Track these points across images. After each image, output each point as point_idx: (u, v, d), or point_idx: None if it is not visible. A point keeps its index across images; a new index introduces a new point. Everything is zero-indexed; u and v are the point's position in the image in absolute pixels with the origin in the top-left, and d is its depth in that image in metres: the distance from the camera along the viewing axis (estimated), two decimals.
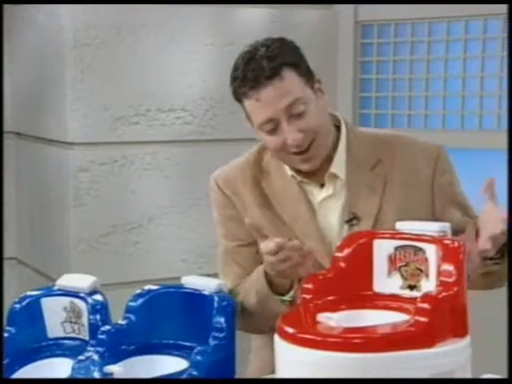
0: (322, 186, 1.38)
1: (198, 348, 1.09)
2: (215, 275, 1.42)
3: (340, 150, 1.37)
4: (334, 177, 1.37)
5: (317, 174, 1.37)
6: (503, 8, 2.18)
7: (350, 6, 2.37)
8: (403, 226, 1.15)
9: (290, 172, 1.38)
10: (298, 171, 1.38)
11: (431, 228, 1.11)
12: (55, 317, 1.19)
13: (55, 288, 1.21)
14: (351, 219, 1.35)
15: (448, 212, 1.35)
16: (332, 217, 1.37)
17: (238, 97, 1.35)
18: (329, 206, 1.37)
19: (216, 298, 1.16)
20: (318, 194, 1.38)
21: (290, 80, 1.29)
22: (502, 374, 1.18)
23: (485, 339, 2.14)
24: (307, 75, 1.32)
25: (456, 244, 1.06)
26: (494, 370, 1.20)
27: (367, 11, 2.37)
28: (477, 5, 2.21)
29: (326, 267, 1.30)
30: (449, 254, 1.05)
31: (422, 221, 1.16)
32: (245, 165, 1.42)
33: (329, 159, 1.36)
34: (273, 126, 1.31)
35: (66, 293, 1.19)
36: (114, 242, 2.15)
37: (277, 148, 1.33)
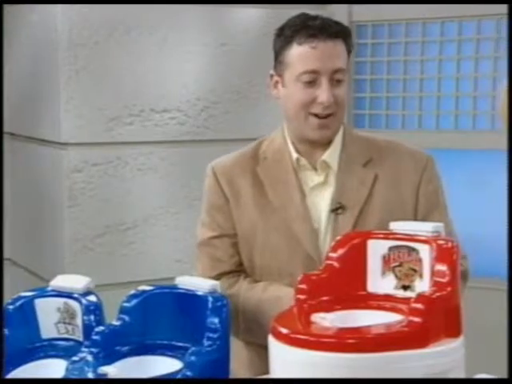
0: (316, 170, 1.41)
1: (192, 349, 1.09)
2: None
3: (336, 142, 1.42)
4: (327, 166, 1.40)
5: (314, 157, 1.41)
6: (497, 8, 2.19)
7: (345, 6, 2.37)
8: (397, 226, 1.15)
9: (295, 155, 1.41)
10: (299, 152, 1.40)
11: (425, 228, 1.11)
12: (49, 318, 1.19)
13: (49, 289, 1.21)
14: (337, 208, 1.37)
15: (431, 217, 1.38)
16: (321, 204, 1.40)
17: (287, 43, 1.37)
18: (319, 192, 1.40)
19: (210, 299, 1.16)
20: (311, 180, 1.40)
21: (343, 51, 1.37)
22: (495, 374, 1.18)
23: (478, 339, 2.15)
24: (348, 57, 1.39)
25: (449, 244, 1.07)
26: (487, 370, 1.21)
27: (361, 11, 2.37)
28: (471, 5, 2.22)
29: (312, 255, 1.33)
30: (442, 254, 1.06)
31: (406, 221, 1.17)
32: (243, 156, 1.46)
33: (326, 146, 1.41)
34: (312, 79, 1.34)
35: (60, 294, 1.18)
36: (108, 242, 2.15)
37: (305, 102, 1.35)
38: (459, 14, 2.27)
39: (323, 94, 1.34)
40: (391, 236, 1.14)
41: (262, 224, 1.39)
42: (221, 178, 1.43)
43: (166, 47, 2.17)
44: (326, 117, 1.36)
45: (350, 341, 0.97)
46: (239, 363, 1.43)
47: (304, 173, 1.41)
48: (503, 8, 2.16)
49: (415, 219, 1.39)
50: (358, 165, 1.40)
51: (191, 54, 2.21)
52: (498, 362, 1.42)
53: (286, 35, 1.37)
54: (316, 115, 1.36)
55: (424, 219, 1.39)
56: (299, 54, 1.35)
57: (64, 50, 2.06)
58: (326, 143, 1.41)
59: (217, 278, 1.39)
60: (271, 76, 1.42)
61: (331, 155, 1.40)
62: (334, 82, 1.35)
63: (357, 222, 1.36)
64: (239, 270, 1.42)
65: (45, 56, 2.15)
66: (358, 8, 2.38)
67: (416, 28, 2.33)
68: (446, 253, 1.06)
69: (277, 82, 1.41)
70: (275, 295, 1.33)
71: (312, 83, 1.35)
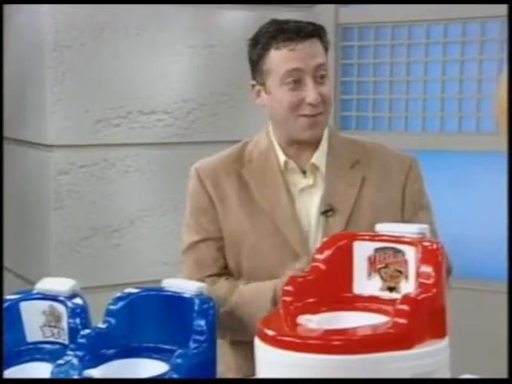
0: (304, 173, 1.41)
1: (179, 351, 1.09)
2: None
3: (323, 144, 1.42)
4: (315, 168, 1.41)
5: (302, 160, 1.41)
6: (481, 10, 2.21)
7: (331, 9, 2.38)
8: (383, 227, 1.16)
9: (283, 158, 1.41)
10: (288, 155, 1.41)
11: (410, 230, 1.12)
12: (34, 321, 1.18)
13: (34, 292, 1.20)
14: (327, 210, 1.38)
15: (417, 217, 1.40)
16: (310, 207, 1.40)
17: (264, 50, 1.37)
18: (308, 195, 1.40)
19: (197, 301, 1.16)
20: (300, 183, 1.40)
21: (319, 47, 1.38)
22: (480, 375, 1.19)
23: (463, 340, 2.16)
24: (326, 53, 1.41)
25: (435, 246, 1.07)
26: (472, 371, 1.21)
27: (348, 13, 2.38)
28: (457, 8, 2.24)
29: (302, 257, 1.33)
30: (427, 255, 1.06)
31: (394, 222, 1.18)
32: (227, 158, 1.45)
33: (314, 148, 1.41)
34: (297, 78, 1.35)
35: (45, 296, 1.18)
36: (94, 244, 2.14)
37: (292, 105, 1.35)
38: (444, 17, 2.28)
39: (311, 94, 1.34)
40: (377, 238, 1.14)
41: (250, 226, 1.39)
42: (206, 180, 1.42)
43: (153, 49, 2.17)
44: (315, 115, 1.36)
45: (336, 342, 0.97)
46: (226, 366, 1.43)
47: (292, 176, 1.41)
48: (488, 11, 2.18)
49: (402, 220, 1.40)
50: (346, 167, 1.41)
51: (178, 56, 2.21)
52: (483, 363, 1.43)
53: (262, 43, 1.37)
54: (305, 115, 1.36)
55: (410, 220, 1.40)
56: (279, 58, 1.35)
57: (50, 51, 2.05)
58: (314, 145, 1.41)
59: (200, 280, 1.38)
60: (252, 86, 1.42)
61: (319, 158, 1.41)
62: (318, 78, 1.36)
63: (347, 223, 1.36)
64: (224, 273, 1.42)
65: (31, 57, 2.14)
66: (344, 10, 2.39)
67: (402, 30, 2.35)
68: (431, 254, 1.06)
69: (259, 91, 1.41)
70: (257, 288, 1.33)
71: (297, 84, 1.35)
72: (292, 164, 1.41)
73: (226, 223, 1.40)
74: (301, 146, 1.40)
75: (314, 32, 1.37)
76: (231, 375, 1.41)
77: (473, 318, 2.20)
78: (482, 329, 2.18)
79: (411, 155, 1.47)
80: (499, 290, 1.91)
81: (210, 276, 1.40)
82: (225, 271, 1.42)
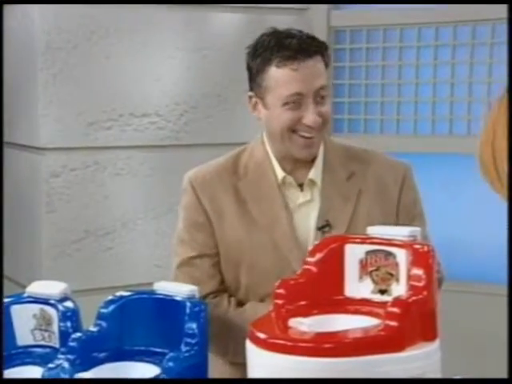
0: (301, 188, 1.39)
1: (170, 354, 1.08)
2: None
3: (319, 159, 1.40)
4: (313, 183, 1.39)
5: (299, 175, 1.39)
6: (472, 14, 2.21)
7: (323, 12, 2.38)
8: (374, 230, 1.16)
9: (281, 174, 1.38)
10: (285, 170, 1.39)
11: (401, 233, 1.12)
12: (25, 324, 1.18)
13: (25, 295, 1.19)
14: (324, 226, 1.36)
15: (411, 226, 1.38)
16: (308, 222, 1.38)
17: (264, 65, 1.33)
18: (306, 211, 1.38)
19: (188, 304, 1.16)
20: (297, 199, 1.39)
21: (321, 65, 1.35)
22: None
23: (463, 343, 2.18)
24: (327, 69, 1.37)
25: (425, 248, 1.08)
26: (472, 373, 1.21)
27: (340, 16, 2.39)
28: (448, 11, 2.25)
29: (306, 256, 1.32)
30: (418, 258, 1.06)
31: None
32: (222, 169, 1.41)
33: (311, 162, 1.39)
34: (298, 101, 1.32)
35: (36, 300, 1.17)
36: (86, 247, 2.13)
37: (290, 124, 1.33)
38: (436, 20, 2.29)
39: (309, 116, 1.32)
40: (368, 240, 1.14)
41: (249, 242, 1.36)
42: (202, 195, 1.38)
43: (145, 51, 2.16)
44: (313, 137, 1.34)
45: (327, 345, 0.97)
46: (220, 375, 1.41)
47: (289, 191, 1.39)
48: (478, 14, 2.19)
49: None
50: (342, 179, 1.39)
51: (170, 59, 2.20)
52: (483, 366, 1.44)
53: (262, 57, 1.33)
54: (301, 135, 1.33)
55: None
56: (280, 77, 1.31)
57: (41, 53, 2.04)
58: (310, 160, 1.39)
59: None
60: (250, 97, 1.38)
61: (316, 172, 1.39)
62: (319, 99, 1.33)
63: None
64: (220, 289, 1.39)
65: (22, 60, 2.13)
66: (336, 13, 2.40)
67: (394, 33, 2.35)
68: (422, 257, 1.07)
69: (256, 103, 1.37)
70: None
71: (297, 105, 1.32)
72: (290, 179, 1.38)
73: (223, 238, 1.37)
74: (297, 162, 1.38)
75: (316, 50, 1.33)
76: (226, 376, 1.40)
77: (472, 320, 2.20)
78: (482, 332, 2.19)
79: (405, 162, 1.45)
80: (499, 292, 1.91)
81: (208, 294, 1.37)
82: (221, 287, 1.39)
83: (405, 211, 1.41)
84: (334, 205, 1.37)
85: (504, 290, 1.62)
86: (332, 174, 1.39)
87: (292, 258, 1.34)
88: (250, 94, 1.39)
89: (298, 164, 1.39)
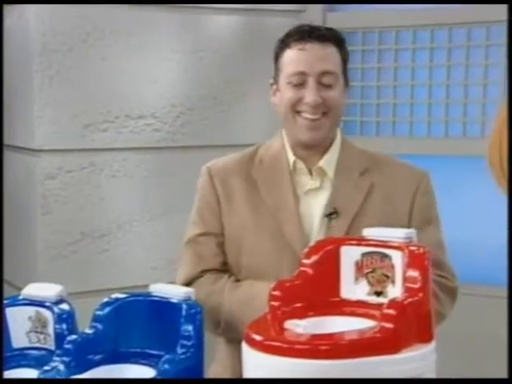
0: (312, 175, 1.42)
1: (166, 356, 1.08)
2: None
3: (333, 150, 1.43)
4: (322, 171, 1.41)
5: (310, 162, 1.42)
6: (467, 16, 2.22)
7: (319, 14, 2.39)
8: (370, 232, 1.16)
9: (292, 158, 1.42)
10: (296, 155, 1.42)
11: (397, 235, 1.12)
12: (20, 327, 1.17)
13: (20, 297, 1.19)
14: (331, 213, 1.38)
15: (424, 231, 1.38)
16: (314, 209, 1.40)
17: (281, 49, 1.39)
18: (313, 197, 1.41)
19: (184, 306, 1.15)
20: (306, 184, 1.41)
21: (334, 55, 1.38)
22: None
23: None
24: (345, 64, 1.41)
25: (421, 250, 1.08)
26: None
27: (335, 19, 2.39)
28: (443, 12, 2.25)
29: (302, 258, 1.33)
30: (414, 260, 1.07)
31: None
32: (239, 159, 1.47)
33: (323, 152, 1.42)
34: (300, 81, 1.36)
35: (32, 302, 1.17)
36: (82, 249, 2.13)
37: (292, 102, 1.37)
38: (431, 22, 2.30)
39: (309, 94, 1.35)
40: (364, 242, 1.14)
41: (253, 224, 1.39)
42: (215, 178, 1.44)
43: (141, 53, 2.16)
44: (316, 119, 1.37)
45: (323, 347, 0.97)
46: (222, 367, 1.43)
47: (299, 176, 1.42)
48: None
49: None
50: (355, 173, 1.41)
51: (166, 61, 2.20)
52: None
53: (282, 43, 1.40)
54: (304, 116, 1.37)
55: (419, 232, 1.38)
56: (289, 56, 1.38)
57: (37, 55, 2.04)
58: (323, 148, 1.41)
59: (200, 274, 1.40)
60: (271, 84, 1.44)
61: (328, 162, 1.41)
62: (322, 85, 1.36)
63: (350, 228, 1.36)
64: (223, 269, 1.42)
65: (18, 62, 2.13)
66: (332, 15, 2.40)
67: (389, 36, 2.36)
68: (417, 259, 1.07)
69: (275, 90, 1.43)
70: (263, 291, 1.32)
71: (300, 85, 1.36)
72: (300, 164, 1.42)
73: (230, 221, 1.41)
74: (308, 149, 1.41)
75: (327, 36, 1.37)
76: (227, 376, 1.41)
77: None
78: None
79: (423, 170, 1.47)
80: (499, 295, 1.92)
81: (210, 271, 1.41)
82: (224, 267, 1.42)
83: (419, 215, 1.42)
84: (343, 194, 1.39)
85: (503, 292, 1.62)
86: (346, 166, 1.42)
87: (294, 242, 1.36)
88: (271, 81, 1.44)
89: (310, 151, 1.41)
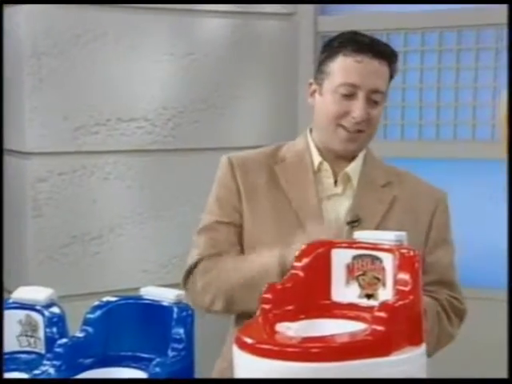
0: (336, 182, 1.43)
1: (157, 360, 1.08)
2: (177, 286, 1.41)
3: (359, 158, 1.45)
4: (347, 178, 1.42)
5: (337, 166, 1.43)
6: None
7: (310, 17, 2.39)
8: (360, 235, 1.16)
9: (318, 159, 1.42)
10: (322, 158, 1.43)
11: (388, 237, 1.13)
12: (10, 330, 1.17)
13: (10, 301, 1.19)
14: (354, 221, 1.39)
15: (438, 250, 1.41)
16: (334, 214, 1.41)
17: (333, 53, 1.38)
18: (335, 203, 1.42)
19: (175, 309, 1.15)
20: (329, 189, 1.42)
21: (385, 73, 1.40)
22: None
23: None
24: (390, 80, 1.42)
25: (412, 253, 1.08)
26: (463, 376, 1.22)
27: (327, 22, 2.40)
28: (432, 16, 2.26)
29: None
30: (405, 262, 1.07)
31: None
32: (262, 153, 1.47)
33: (350, 159, 1.43)
34: (350, 93, 1.36)
35: (22, 306, 1.17)
36: (73, 252, 2.12)
37: (337, 115, 1.37)
38: (422, 26, 2.30)
39: (358, 109, 1.35)
40: (355, 245, 1.15)
41: (273, 220, 1.39)
42: (236, 169, 1.43)
43: (131, 56, 2.16)
44: (356, 132, 1.38)
45: (314, 350, 0.97)
46: (227, 362, 1.42)
47: (322, 179, 1.43)
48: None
49: (425, 247, 1.42)
50: (378, 184, 1.43)
51: (157, 64, 2.20)
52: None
53: (335, 46, 1.39)
54: (346, 128, 1.37)
55: (430, 251, 1.42)
56: (342, 65, 1.36)
57: (28, 58, 2.04)
58: (350, 157, 1.43)
59: (217, 255, 1.39)
60: (310, 84, 1.44)
61: (353, 170, 1.43)
62: (371, 101, 1.36)
63: None
64: None
65: (8, 64, 2.12)
66: (323, 19, 2.41)
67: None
68: (408, 261, 1.07)
69: (314, 91, 1.42)
70: (261, 267, 1.33)
71: (349, 97, 1.36)
72: (326, 166, 1.42)
73: (249, 212, 1.40)
74: (337, 155, 1.42)
75: (385, 54, 1.37)
76: (231, 371, 1.39)
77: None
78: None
79: (441, 189, 1.49)
80: (499, 298, 1.92)
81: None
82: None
83: (437, 231, 1.43)
84: (366, 203, 1.40)
85: (503, 295, 1.63)
86: (369, 176, 1.43)
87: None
88: (311, 81, 1.44)
89: (337, 158, 1.42)
